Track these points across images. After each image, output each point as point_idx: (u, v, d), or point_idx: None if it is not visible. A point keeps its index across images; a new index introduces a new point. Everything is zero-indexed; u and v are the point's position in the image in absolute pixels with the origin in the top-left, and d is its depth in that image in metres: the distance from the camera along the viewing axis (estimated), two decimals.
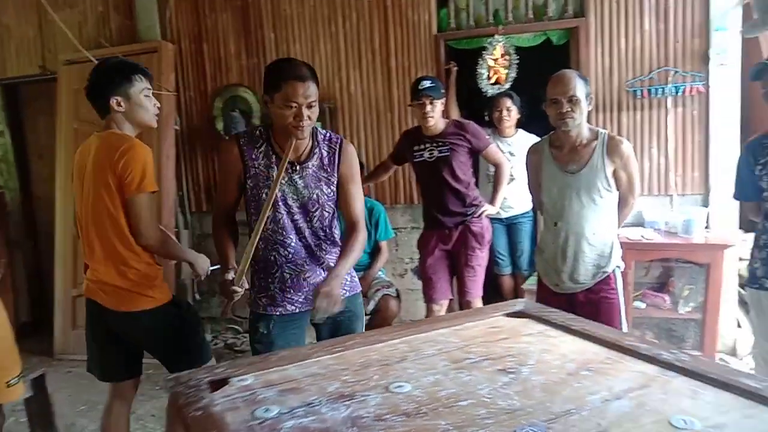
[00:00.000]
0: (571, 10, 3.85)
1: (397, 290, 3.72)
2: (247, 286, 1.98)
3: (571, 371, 1.36)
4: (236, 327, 4.56)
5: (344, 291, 2.09)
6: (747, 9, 3.48)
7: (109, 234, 2.16)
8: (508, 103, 3.91)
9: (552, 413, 1.15)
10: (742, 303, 3.55)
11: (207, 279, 2.50)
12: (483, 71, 3.94)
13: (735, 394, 1.21)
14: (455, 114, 4.09)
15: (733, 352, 3.65)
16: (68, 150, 4.38)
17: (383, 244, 3.73)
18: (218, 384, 1.34)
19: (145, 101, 2.22)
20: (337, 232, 2.20)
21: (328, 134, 2.14)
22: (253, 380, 1.38)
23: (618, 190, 2.47)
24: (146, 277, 2.22)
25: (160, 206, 4.12)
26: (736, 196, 2.61)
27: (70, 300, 4.31)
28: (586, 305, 2.48)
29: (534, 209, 3.93)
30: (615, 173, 2.44)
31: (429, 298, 3.40)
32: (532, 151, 2.67)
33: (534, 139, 3.68)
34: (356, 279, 2.27)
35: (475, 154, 3.31)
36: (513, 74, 3.92)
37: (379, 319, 3.43)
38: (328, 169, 2.09)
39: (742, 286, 3.39)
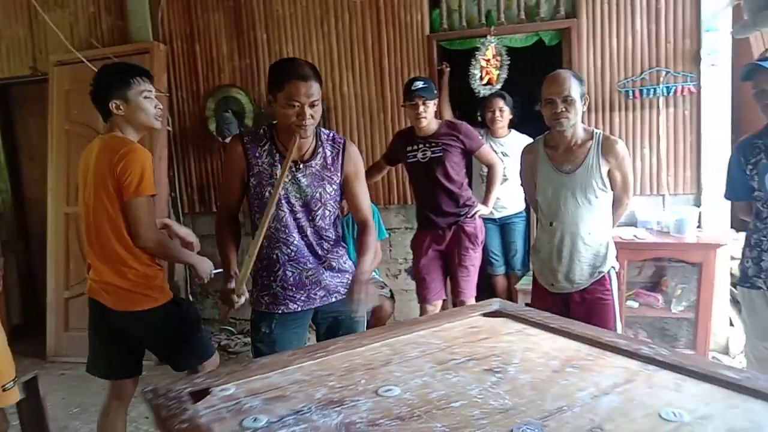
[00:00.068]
0: (563, 10, 3.86)
1: (390, 291, 3.72)
2: (247, 295, 2.00)
3: (556, 368, 1.38)
4: (230, 328, 4.55)
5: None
6: (737, 10, 3.50)
7: (109, 235, 2.20)
8: (501, 103, 3.91)
9: (545, 411, 1.16)
10: (735, 302, 3.57)
11: (209, 281, 2.51)
12: (475, 72, 3.95)
13: (716, 386, 1.24)
14: (448, 114, 4.10)
15: (725, 351, 3.66)
16: (60, 151, 4.37)
17: (377, 244, 3.72)
18: (199, 395, 1.31)
19: (145, 103, 2.24)
20: (339, 231, 2.22)
21: (331, 134, 2.16)
22: (236, 389, 1.35)
23: (612, 190, 2.48)
24: (145, 277, 2.25)
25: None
26: (728, 196, 2.62)
27: (63, 302, 4.29)
28: (581, 305, 2.50)
29: (527, 209, 3.94)
30: (610, 173, 2.45)
31: (423, 299, 3.40)
32: (527, 151, 2.68)
33: (527, 139, 3.70)
34: None
35: (468, 155, 3.31)
36: (504, 75, 3.92)
37: (373, 320, 3.42)
38: (332, 169, 2.11)
39: (734, 285, 3.40)
